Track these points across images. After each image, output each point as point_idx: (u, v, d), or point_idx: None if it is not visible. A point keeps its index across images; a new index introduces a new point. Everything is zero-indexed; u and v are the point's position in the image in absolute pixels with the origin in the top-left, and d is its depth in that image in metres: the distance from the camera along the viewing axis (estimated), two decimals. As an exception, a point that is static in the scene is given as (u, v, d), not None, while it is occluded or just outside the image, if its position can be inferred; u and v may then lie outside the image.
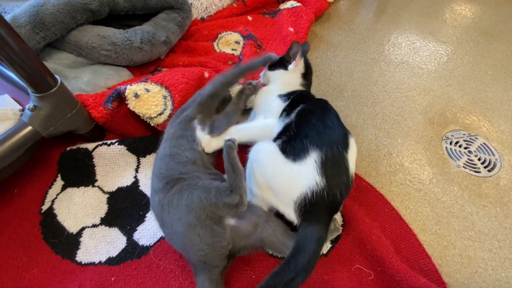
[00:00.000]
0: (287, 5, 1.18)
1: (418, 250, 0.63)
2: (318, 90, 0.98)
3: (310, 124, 0.57)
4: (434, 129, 0.88)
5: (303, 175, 0.51)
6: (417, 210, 0.71)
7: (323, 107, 0.63)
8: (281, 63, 0.75)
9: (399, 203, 0.72)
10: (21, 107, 0.68)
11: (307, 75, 0.77)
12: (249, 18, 1.13)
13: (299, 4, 1.17)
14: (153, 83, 0.77)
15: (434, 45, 1.21)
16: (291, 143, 0.56)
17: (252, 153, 0.59)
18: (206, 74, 0.85)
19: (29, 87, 0.57)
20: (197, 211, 0.48)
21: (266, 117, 0.68)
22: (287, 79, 0.75)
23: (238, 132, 0.67)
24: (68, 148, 0.72)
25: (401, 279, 0.55)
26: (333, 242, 0.64)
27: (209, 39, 1.05)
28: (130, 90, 0.73)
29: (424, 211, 0.71)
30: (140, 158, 0.76)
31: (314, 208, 0.51)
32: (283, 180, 0.53)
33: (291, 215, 0.53)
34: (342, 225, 0.66)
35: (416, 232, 0.66)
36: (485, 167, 0.80)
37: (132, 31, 0.81)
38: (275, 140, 0.61)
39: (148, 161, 0.75)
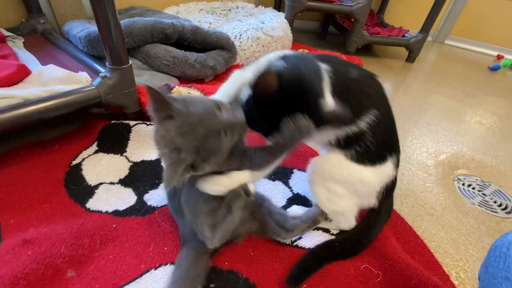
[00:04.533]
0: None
1: (431, 260, 0.58)
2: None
3: (384, 133, 0.54)
4: (445, 170, 0.91)
5: (384, 172, 0.55)
6: (430, 231, 0.68)
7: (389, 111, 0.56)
8: None
9: (411, 222, 0.70)
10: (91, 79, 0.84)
11: None
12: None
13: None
14: (195, 89, 0.93)
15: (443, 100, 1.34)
16: (368, 151, 0.53)
17: (322, 168, 0.57)
18: (239, 93, 1.01)
19: (109, 58, 0.75)
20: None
21: None
22: None
23: None
24: (112, 121, 0.84)
25: (411, 274, 0.51)
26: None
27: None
28: (177, 89, 0.89)
29: (438, 234, 0.68)
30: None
31: (386, 191, 0.57)
32: (367, 182, 0.55)
33: (373, 203, 0.58)
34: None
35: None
36: (502, 209, 0.78)
37: (189, 53, 1.04)
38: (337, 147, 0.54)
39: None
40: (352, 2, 1.87)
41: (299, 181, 0.76)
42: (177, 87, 0.89)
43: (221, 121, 0.41)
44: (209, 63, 1.07)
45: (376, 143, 0.52)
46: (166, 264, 0.53)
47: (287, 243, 0.60)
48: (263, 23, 1.44)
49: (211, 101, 0.44)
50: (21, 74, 0.73)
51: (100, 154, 0.78)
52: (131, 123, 0.84)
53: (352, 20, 1.76)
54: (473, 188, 0.85)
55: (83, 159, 0.76)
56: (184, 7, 1.59)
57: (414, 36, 1.84)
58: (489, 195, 0.83)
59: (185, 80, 1.06)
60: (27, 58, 0.91)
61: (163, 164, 0.42)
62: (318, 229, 0.63)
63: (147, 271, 0.52)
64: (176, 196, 0.54)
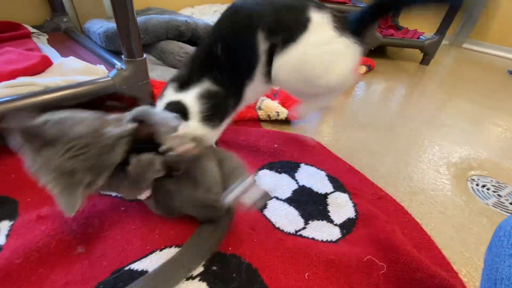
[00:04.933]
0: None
1: (438, 256, 0.57)
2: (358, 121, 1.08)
3: None
4: (458, 170, 0.88)
5: None
6: (440, 229, 0.66)
7: None
8: None
9: (420, 219, 0.68)
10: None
11: None
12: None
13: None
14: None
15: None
16: None
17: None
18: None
19: (124, 51, 0.78)
20: None
21: None
22: None
23: None
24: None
25: (416, 266, 0.50)
26: (344, 233, 0.61)
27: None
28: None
29: (448, 232, 0.66)
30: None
31: None
32: None
33: None
34: (354, 219, 0.64)
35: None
36: (519, 211, 0.75)
37: (202, 49, 1.07)
38: None
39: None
40: (361, 2, 1.87)
41: (305, 175, 0.76)
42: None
43: (111, 136, 0.41)
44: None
45: None
46: (171, 247, 0.54)
47: (291, 232, 0.60)
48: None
49: (96, 117, 0.44)
50: (43, 64, 0.78)
51: (113, 143, 0.81)
52: (144, 114, 0.86)
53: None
54: (488, 189, 0.82)
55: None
56: (199, 9, 1.64)
57: (429, 38, 1.80)
58: (505, 196, 0.80)
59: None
60: (50, 52, 0.96)
61: (51, 192, 0.39)
62: (322, 219, 0.63)
63: (153, 251, 0.53)
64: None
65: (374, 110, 1.23)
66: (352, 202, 0.68)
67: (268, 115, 0.98)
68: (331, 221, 0.63)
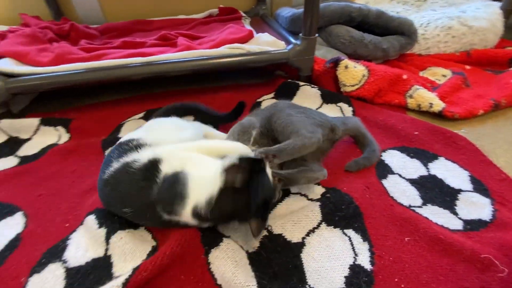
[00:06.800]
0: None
1: None
2: None
3: None
4: None
5: None
6: None
7: None
8: None
9: None
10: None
11: None
12: (467, 67, 1.20)
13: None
14: (361, 64, 1.03)
15: None
16: None
17: None
18: (405, 76, 1.02)
19: (303, 29, 0.99)
20: None
21: None
22: None
23: None
24: (288, 80, 1.11)
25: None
26: (467, 228, 0.57)
27: (417, 68, 1.22)
28: (345, 61, 1.03)
29: None
30: (323, 103, 1.02)
31: None
32: None
33: None
34: (487, 222, 0.58)
35: None
36: None
37: (367, 34, 1.14)
38: None
39: (327, 108, 1.00)
40: None
41: (442, 167, 0.73)
42: (346, 60, 1.04)
43: None
44: (383, 45, 1.13)
45: None
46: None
47: (404, 204, 0.63)
48: (463, 12, 1.28)
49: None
50: (249, 36, 1.12)
51: (275, 101, 1.07)
52: (300, 83, 1.07)
53: None
54: None
55: (264, 100, 1.07)
56: (375, -2, 1.65)
57: None
58: None
59: (355, 58, 1.18)
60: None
61: None
62: (444, 208, 0.62)
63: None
64: None
65: None
66: (493, 208, 0.61)
67: (419, 105, 0.95)
68: (454, 213, 0.61)
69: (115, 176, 0.54)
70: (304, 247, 0.55)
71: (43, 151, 0.84)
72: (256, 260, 0.52)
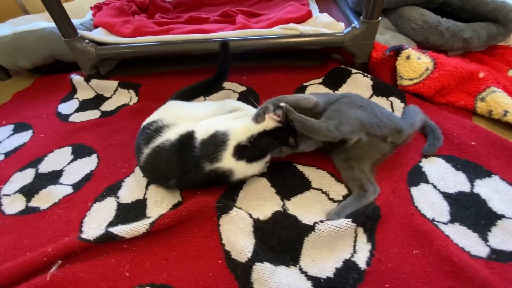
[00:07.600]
0: None
1: None
2: None
3: None
4: None
5: None
6: None
7: None
8: None
9: None
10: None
11: None
12: None
13: None
14: (428, 56, 0.91)
15: None
16: None
17: None
18: (481, 74, 0.86)
19: (364, 12, 0.91)
20: None
21: None
22: None
23: None
24: (341, 66, 1.06)
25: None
26: (493, 258, 0.52)
27: (508, 65, 1.00)
28: (408, 51, 0.92)
29: None
30: (373, 95, 0.95)
31: None
32: None
33: None
34: None
35: None
36: None
37: (445, 19, 0.97)
38: None
39: (376, 101, 0.93)
40: None
41: (492, 188, 0.64)
42: (409, 49, 0.92)
43: None
44: (465, 34, 0.95)
45: None
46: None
47: (427, 216, 0.59)
48: None
49: None
50: (307, 16, 1.09)
51: (321, 86, 1.04)
52: (353, 70, 1.01)
53: None
54: None
55: (310, 84, 1.05)
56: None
57: None
58: None
59: (425, 47, 1.04)
60: (314, 7, 1.27)
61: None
62: (474, 231, 0.56)
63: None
64: None
65: None
66: (539, 245, 0.52)
67: (490, 111, 0.81)
68: (484, 239, 0.54)
69: (150, 161, 0.64)
70: (312, 232, 0.57)
71: (118, 108, 1.03)
72: (260, 230, 0.58)
